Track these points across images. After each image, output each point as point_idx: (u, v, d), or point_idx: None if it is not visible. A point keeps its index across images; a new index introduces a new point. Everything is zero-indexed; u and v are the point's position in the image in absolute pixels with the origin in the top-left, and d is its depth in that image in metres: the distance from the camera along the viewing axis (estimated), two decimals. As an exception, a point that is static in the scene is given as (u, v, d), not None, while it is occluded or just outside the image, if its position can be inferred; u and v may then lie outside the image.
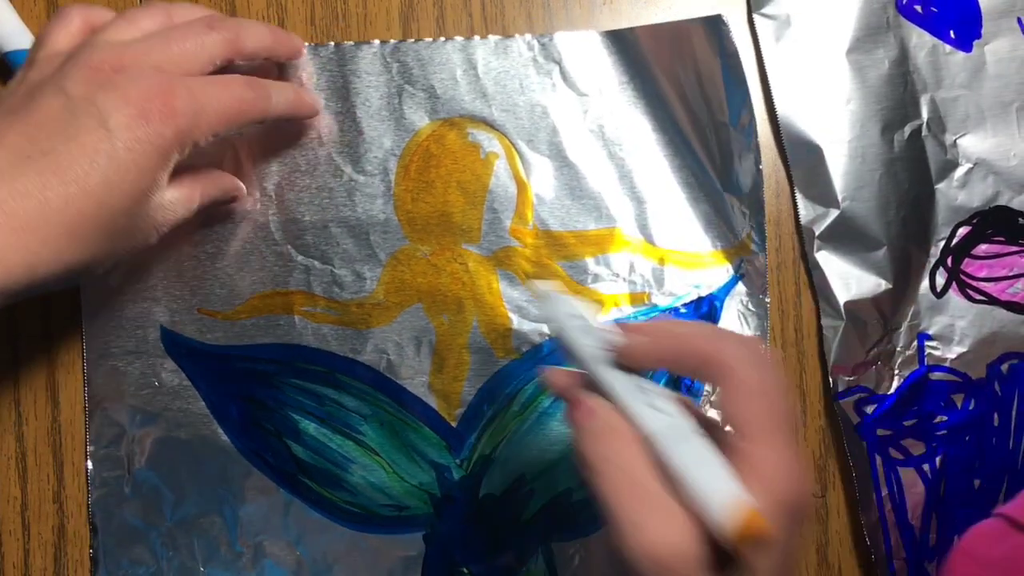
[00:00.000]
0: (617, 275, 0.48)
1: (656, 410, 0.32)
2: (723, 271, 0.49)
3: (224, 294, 0.48)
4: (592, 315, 0.37)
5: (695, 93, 0.48)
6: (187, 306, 0.48)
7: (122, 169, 0.37)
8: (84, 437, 0.48)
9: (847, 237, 0.49)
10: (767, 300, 0.49)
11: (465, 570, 0.48)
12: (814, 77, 0.49)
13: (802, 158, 0.49)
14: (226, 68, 0.42)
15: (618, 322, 0.40)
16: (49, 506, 0.48)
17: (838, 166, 0.49)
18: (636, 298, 0.49)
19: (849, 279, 0.49)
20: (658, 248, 0.49)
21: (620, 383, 0.33)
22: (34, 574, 0.48)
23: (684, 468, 0.30)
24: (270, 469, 0.48)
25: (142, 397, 0.48)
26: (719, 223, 0.49)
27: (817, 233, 0.49)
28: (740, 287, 0.49)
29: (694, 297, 0.49)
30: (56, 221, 0.36)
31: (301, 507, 0.48)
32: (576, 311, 0.36)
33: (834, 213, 0.49)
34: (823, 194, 0.49)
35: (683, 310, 0.49)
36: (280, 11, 0.49)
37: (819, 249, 0.49)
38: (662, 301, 0.49)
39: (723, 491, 0.29)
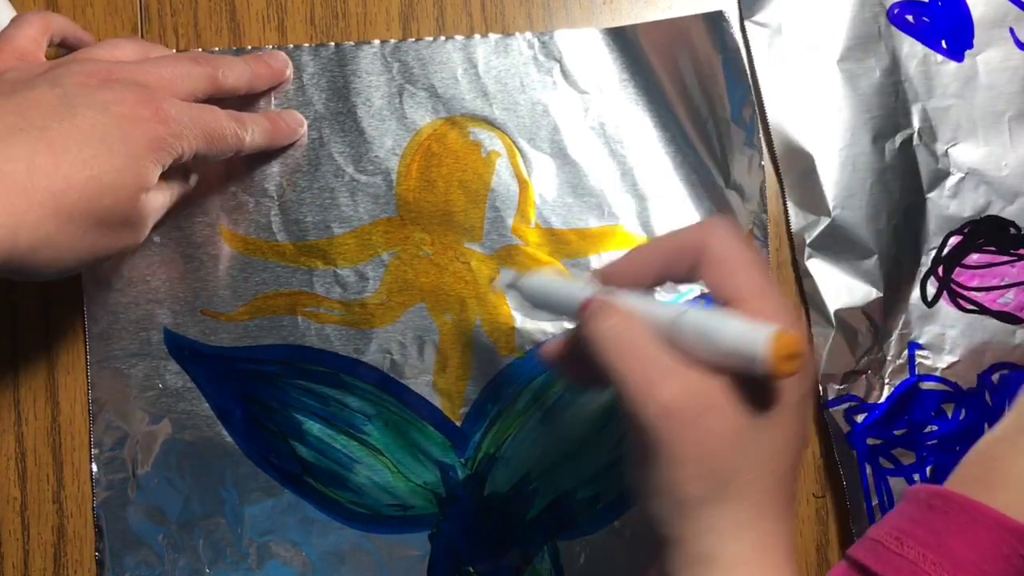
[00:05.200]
0: (620, 272, 0.48)
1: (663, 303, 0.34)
2: (726, 267, 0.49)
3: (227, 295, 0.48)
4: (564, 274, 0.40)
5: (696, 89, 0.48)
6: (190, 308, 0.48)
7: (114, 151, 0.37)
8: (87, 439, 0.48)
9: (838, 245, 0.49)
10: (770, 296, 0.49)
11: (471, 569, 0.48)
12: (805, 85, 0.49)
13: (793, 166, 0.49)
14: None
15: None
16: (49, 506, 0.48)
17: (829, 174, 0.49)
18: (639, 295, 0.49)
19: (840, 287, 0.49)
20: (660, 245, 0.49)
21: (624, 295, 0.35)
22: (34, 574, 0.48)
23: (709, 327, 0.32)
24: (275, 470, 0.48)
25: (146, 399, 0.48)
26: (721, 220, 0.49)
27: (808, 241, 0.49)
28: (743, 283, 0.49)
29: (697, 294, 0.49)
30: (43, 186, 0.36)
31: (306, 508, 0.48)
32: (552, 275, 0.39)
33: (825, 221, 0.49)
34: (814, 202, 0.49)
35: (686, 307, 0.49)
36: (280, 11, 0.49)
37: (810, 257, 0.49)
38: (664, 297, 0.49)
39: (751, 330, 0.31)
